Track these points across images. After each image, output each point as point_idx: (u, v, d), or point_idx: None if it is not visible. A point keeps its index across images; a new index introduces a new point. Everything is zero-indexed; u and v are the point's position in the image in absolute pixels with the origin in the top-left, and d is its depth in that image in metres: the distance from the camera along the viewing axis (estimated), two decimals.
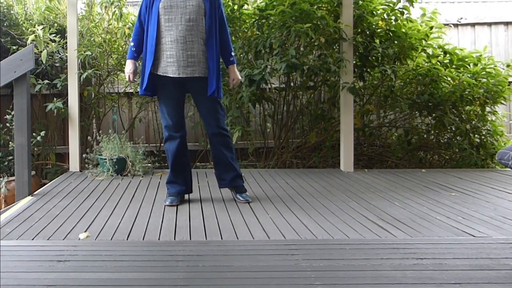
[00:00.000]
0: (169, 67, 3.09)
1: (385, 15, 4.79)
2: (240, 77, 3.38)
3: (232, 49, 3.31)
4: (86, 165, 4.46)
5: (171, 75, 3.10)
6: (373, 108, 5.01)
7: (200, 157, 5.12)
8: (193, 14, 3.06)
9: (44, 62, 4.47)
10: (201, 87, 3.15)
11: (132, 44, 3.23)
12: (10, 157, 4.31)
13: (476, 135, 5.05)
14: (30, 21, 4.97)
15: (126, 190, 3.71)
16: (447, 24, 5.69)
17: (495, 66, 4.96)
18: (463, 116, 5.04)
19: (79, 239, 2.50)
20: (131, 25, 4.73)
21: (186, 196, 3.43)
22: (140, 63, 3.43)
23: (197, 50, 3.10)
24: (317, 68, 4.47)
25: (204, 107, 3.22)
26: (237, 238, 2.52)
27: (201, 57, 3.11)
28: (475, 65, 4.94)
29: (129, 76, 3.24)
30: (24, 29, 4.92)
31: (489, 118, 5.10)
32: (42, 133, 4.41)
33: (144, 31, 3.18)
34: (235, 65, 3.30)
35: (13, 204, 3.37)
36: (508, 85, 4.96)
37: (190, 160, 3.43)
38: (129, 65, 3.23)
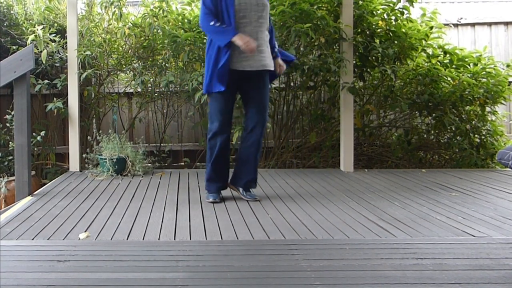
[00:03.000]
0: (245, 62, 3.17)
1: (385, 15, 4.79)
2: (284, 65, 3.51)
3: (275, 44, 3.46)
4: (86, 165, 4.46)
5: (248, 69, 3.18)
6: (373, 108, 5.01)
7: (200, 157, 5.12)
8: (264, 12, 3.23)
9: (44, 62, 4.46)
10: (263, 79, 3.30)
11: (220, 24, 3.13)
12: (10, 157, 4.31)
13: (476, 135, 5.04)
14: (30, 21, 4.97)
15: (126, 190, 3.71)
16: (447, 24, 5.69)
17: (495, 66, 4.95)
18: (463, 116, 5.04)
19: (79, 239, 2.50)
20: (131, 25, 4.73)
21: (186, 196, 3.43)
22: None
23: (265, 45, 3.26)
24: (317, 68, 4.47)
25: (260, 98, 3.33)
26: (237, 238, 2.52)
27: (268, 52, 3.29)
28: (475, 65, 4.93)
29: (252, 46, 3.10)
30: (24, 29, 4.92)
31: (489, 118, 5.10)
32: (42, 133, 4.41)
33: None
34: (279, 58, 3.45)
35: (13, 204, 3.37)
36: (508, 85, 4.96)
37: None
38: (243, 37, 3.08)
